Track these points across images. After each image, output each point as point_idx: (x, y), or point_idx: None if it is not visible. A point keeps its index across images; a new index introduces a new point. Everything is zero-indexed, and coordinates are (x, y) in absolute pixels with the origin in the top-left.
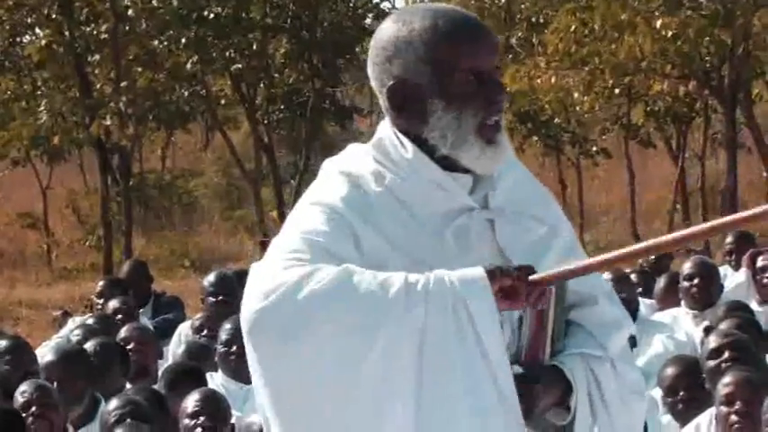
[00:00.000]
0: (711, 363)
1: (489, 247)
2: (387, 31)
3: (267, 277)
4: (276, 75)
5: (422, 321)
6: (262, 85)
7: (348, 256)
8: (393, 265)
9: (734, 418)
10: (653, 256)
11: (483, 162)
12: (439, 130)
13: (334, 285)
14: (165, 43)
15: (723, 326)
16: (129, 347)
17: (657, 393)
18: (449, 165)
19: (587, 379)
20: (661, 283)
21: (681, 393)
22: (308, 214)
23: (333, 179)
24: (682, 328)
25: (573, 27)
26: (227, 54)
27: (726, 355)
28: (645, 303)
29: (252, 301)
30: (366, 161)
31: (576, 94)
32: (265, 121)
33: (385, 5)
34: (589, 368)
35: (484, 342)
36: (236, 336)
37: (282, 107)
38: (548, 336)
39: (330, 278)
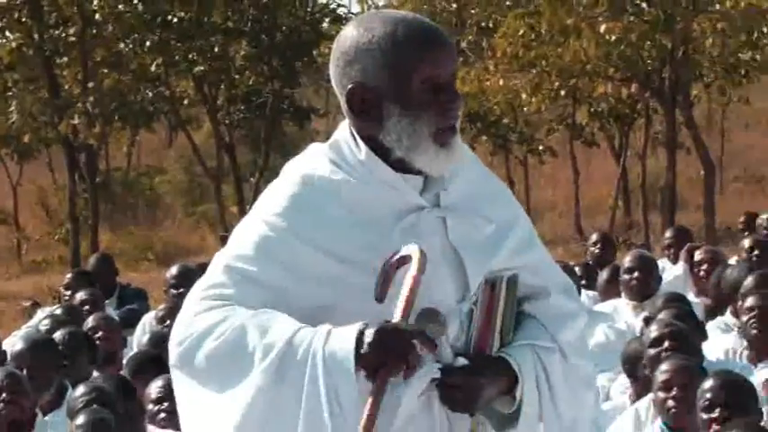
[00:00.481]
0: (652, 351)
1: (441, 244)
2: (348, 36)
3: (185, 320)
4: (237, 76)
5: (293, 391)
6: (223, 86)
7: (274, 282)
8: (329, 273)
9: (671, 403)
10: (599, 249)
11: (436, 165)
12: (395, 134)
13: (226, 346)
14: (131, 46)
15: (662, 316)
16: (95, 336)
17: (601, 381)
18: (401, 166)
19: (536, 369)
20: (603, 275)
21: None
22: (246, 235)
23: (284, 188)
24: (622, 318)
25: (521, 31)
26: (190, 56)
27: (666, 344)
28: (588, 295)
29: (172, 343)
30: (322, 162)
31: (523, 96)
32: (226, 121)
33: (341, 10)
34: (538, 359)
35: (345, 412)
36: None
37: (242, 107)
38: (496, 329)
39: (225, 337)
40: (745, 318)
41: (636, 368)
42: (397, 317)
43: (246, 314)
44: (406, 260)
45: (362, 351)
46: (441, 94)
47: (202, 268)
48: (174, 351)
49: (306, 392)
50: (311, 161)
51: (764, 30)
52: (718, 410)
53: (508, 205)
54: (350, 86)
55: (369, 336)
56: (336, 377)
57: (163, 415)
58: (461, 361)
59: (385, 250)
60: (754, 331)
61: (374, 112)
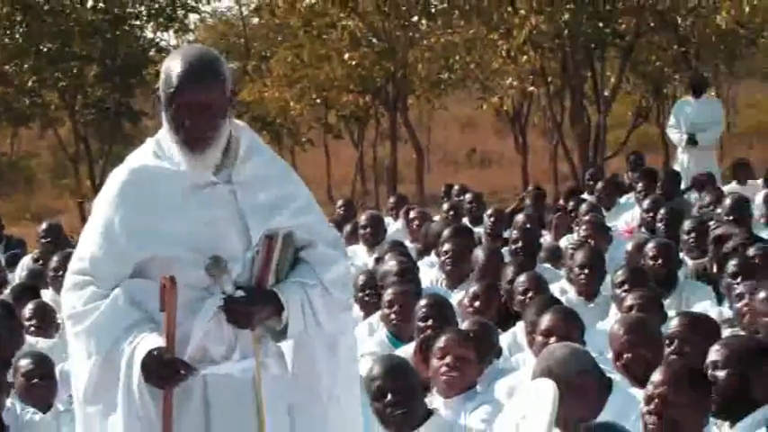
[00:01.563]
0: (392, 279)
1: (232, 211)
2: (164, 63)
3: (63, 293)
4: (89, 89)
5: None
6: (79, 96)
7: (116, 251)
8: (151, 234)
9: (393, 316)
10: (343, 211)
11: (189, 164)
12: (169, 136)
13: (77, 338)
14: (14, 68)
15: (388, 257)
16: None
17: None
18: None
19: (302, 299)
20: (347, 229)
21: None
22: (96, 216)
23: (120, 176)
24: (360, 259)
25: (290, 58)
26: (56, 75)
27: (395, 277)
28: None
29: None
30: (148, 153)
31: (291, 104)
32: (82, 121)
33: (163, 43)
34: (304, 291)
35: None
36: (61, 265)
37: (94, 111)
38: (271, 270)
39: (77, 330)
40: (443, 258)
41: (364, 293)
42: (163, 347)
43: (92, 315)
44: (172, 281)
45: (144, 374)
46: (192, 116)
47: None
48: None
49: (121, 391)
50: (142, 153)
51: (457, 57)
52: (430, 321)
53: (289, 182)
54: (153, 97)
55: (146, 365)
56: (137, 390)
57: (33, 329)
58: (239, 293)
59: (189, 216)
60: (449, 267)
61: (162, 118)
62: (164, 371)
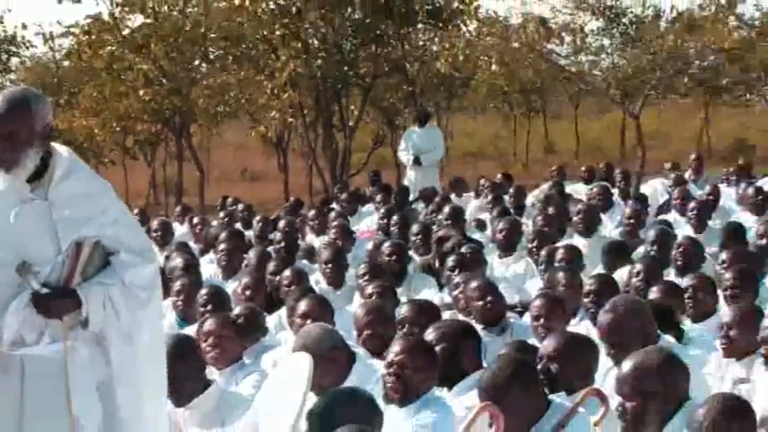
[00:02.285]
0: (177, 272)
1: (46, 223)
2: None
3: None
4: None
5: None
6: None
7: None
8: None
9: (179, 303)
10: (138, 218)
11: (2, 181)
12: None
13: None
14: None
15: (175, 255)
16: None
17: None
18: None
19: (103, 296)
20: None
21: None
22: None
23: None
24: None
25: (94, 94)
26: None
27: (181, 271)
28: None
29: None
30: None
31: (96, 131)
32: None
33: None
34: (104, 289)
35: None
36: None
37: None
38: (78, 271)
39: None
40: (219, 255)
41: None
42: None
43: None
44: None
45: None
46: None
47: None
48: None
49: None
50: None
51: (231, 94)
52: (209, 306)
53: (104, 198)
54: None
55: None
56: None
57: None
58: (45, 290)
59: (9, 226)
60: (224, 263)
61: None
62: None
